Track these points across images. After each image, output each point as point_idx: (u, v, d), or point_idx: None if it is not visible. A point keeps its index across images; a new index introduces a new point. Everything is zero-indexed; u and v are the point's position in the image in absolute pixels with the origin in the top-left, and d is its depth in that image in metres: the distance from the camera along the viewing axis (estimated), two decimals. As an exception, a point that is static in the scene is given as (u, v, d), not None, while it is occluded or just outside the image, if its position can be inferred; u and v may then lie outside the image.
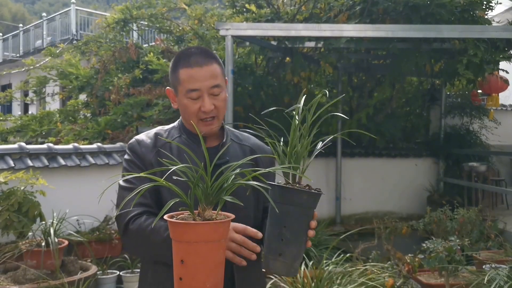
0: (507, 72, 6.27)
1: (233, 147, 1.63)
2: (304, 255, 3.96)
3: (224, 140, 1.63)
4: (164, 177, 1.20)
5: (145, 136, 1.65)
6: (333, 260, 3.66)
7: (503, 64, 6.11)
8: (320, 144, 1.39)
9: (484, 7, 5.50)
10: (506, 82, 6.27)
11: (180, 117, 1.69)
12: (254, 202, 1.59)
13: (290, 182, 1.30)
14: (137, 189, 1.20)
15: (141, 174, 1.27)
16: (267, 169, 1.24)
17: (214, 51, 6.15)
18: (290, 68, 6.40)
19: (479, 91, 7.20)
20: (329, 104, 1.42)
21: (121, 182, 1.57)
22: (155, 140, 1.61)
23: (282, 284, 3.39)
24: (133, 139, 1.66)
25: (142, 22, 7.30)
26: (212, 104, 1.54)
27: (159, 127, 1.70)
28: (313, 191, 1.30)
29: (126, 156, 1.64)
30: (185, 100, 1.56)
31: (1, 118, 7.39)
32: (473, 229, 4.61)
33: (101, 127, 6.01)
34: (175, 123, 1.70)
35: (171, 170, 1.19)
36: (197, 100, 1.55)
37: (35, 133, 6.63)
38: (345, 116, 1.64)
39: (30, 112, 10.42)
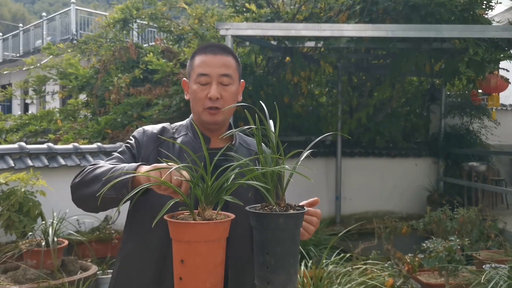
0: (507, 70, 6.28)
1: (241, 151, 1.60)
2: (305, 254, 3.94)
3: (233, 142, 1.62)
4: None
5: (152, 127, 1.64)
6: (332, 259, 3.66)
7: (503, 63, 6.11)
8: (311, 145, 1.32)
9: (484, 6, 5.50)
10: (506, 81, 6.28)
11: (191, 113, 1.67)
12: (254, 201, 1.57)
13: (272, 203, 1.23)
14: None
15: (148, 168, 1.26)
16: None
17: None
18: (290, 67, 6.40)
19: (479, 90, 7.21)
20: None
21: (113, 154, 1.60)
22: (160, 133, 1.60)
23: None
24: (141, 128, 1.66)
25: (142, 22, 7.31)
26: (218, 93, 1.54)
27: (168, 123, 1.69)
28: (291, 212, 1.21)
29: (127, 139, 1.64)
30: (194, 85, 1.57)
31: (2, 118, 7.40)
32: (473, 229, 4.61)
33: (101, 126, 6.01)
34: (185, 121, 1.69)
35: (170, 171, 1.19)
36: (206, 87, 1.55)
37: (34, 129, 6.65)
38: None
39: (30, 112, 10.42)
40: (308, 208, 1.29)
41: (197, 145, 1.56)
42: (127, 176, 1.29)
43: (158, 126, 1.64)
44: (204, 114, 1.57)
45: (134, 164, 1.36)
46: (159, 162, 1.35)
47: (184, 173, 1.22)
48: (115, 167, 1.39)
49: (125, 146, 1.61)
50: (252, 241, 1.52)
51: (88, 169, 1.46)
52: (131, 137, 1.63)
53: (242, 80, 1.67)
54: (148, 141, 1.58)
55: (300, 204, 1.44)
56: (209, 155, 1.25)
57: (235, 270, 1.52)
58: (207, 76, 1.55)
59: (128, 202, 1.41)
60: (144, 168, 1.32)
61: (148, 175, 1.25)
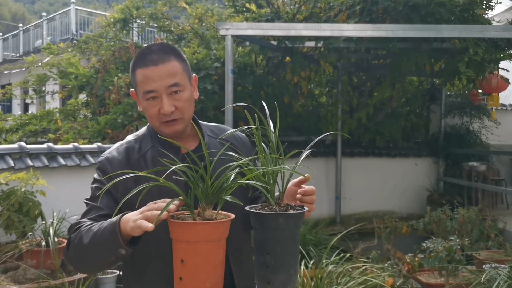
0: (507, 70, 6.28)
1: (213, 144, 1.56)
2: (305, 254, 3.93)
3: (205, 141, 1.54)
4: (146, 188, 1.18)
5: (115, 152, 1.54)
6: (332, 259, 3.66)
7: (503, 63, 6.11)
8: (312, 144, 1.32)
9: (484, 6, 5.50)
10: (506, 81, 6.28)
11: (148, 124, 1.59)
12: (243, 196, 1.49)
13: (271, 203, 1.23)
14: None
15: (140, 188, 1.26)
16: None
17: (214, 50, 6.20)
18: (290, 67, 6.40)
19: (479, 90, 7.21)
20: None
21: (85, 200, 1.50)
22: (126, 156, 1.52)
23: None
24: (102, 157, 1.54)
25: (142, 21, 7.31)
26: (172, 106, 1.44)
27: (129, 138, 1.59)
28: (290, 211, 1.21)
29: (95, 176, 1.52)
30: (144, 102, 1.47)
31: (2, 118, 7.41)
32: (473, 229, 4.61)
33: (101, 126, 6.01)
34: (144, 130, 1.60)
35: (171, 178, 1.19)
36: (156, 101, 1.45)
37: (34, 129, 6.65)
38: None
39: (30, 112, 10.43)
40: (307, 209, 1.29)
41: (169, 154, 1.46)
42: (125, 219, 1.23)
43: (121, 149, 1.54)
44: (162, 127, 1.48)
45: (115, 220, 1.26)
46: (138, 182, 1.28)
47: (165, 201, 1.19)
48: (96, 231, 1.30)
49: (96, 187, 1.49)
50: (244, 234, 1.52)
51: (74, 239, 1.37)
52: (98, 173, 1.52)
53: (193, 75, 1.56)
54: (119, 168, 1.46)
55: (290, 183, 1.41)
56: (188, 158, 1.25)
57: (237, 263, 1.52)
58: (154, 92, 1.44)
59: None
60: (125, 218, 1.23)
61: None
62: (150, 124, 1.55)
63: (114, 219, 1.26)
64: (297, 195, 1.37)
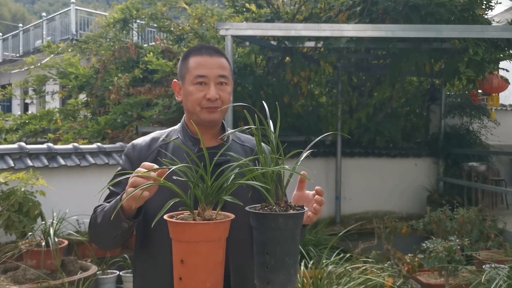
0: (507, 71, 6.28)
1: (234, 147, 1.62)
2: (305, 254, 3.93)
3: (225, 140, 1.62)
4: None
5: (142, 139, 1.66)
6: (332, 259, 3.66)
7: (503, 63, 6.11)
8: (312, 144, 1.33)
9: (484, 6, 5.50)
10: (506, 81, 6.28)
11: (183, 118, 1.68)
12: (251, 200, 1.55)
13: (271, 203, 1.23)
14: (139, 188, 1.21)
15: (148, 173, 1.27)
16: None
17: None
18: (290, 68, 6.40)
19: (479, 90, 7.21)
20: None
21: (107, 185, 1.59)
22: (150, 143, 1.63)
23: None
24: (130, 143, 1.68)
25: (142, 22, 7.31)
26: (217, 93, 1.55)
27: (159, 131, 1.71)
28: (290, 212, 1.22)
29: (120, 161, 1.67)
30: (191, 87, 1.57)
31: (1, 118, 7.41)
32: (473, 229, 4.61)
33: (101, 126, 6.01)
34: (177, 126, 1.70)
35: (169, 171, 1.20)
36: (203, 87, 1.56)
37: (34, 129, 6.65)
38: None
39: (30, 112, 10.42)
40: (307, 209, 1.29)
41: (189, 147, 1.57)
42: (127, 199, 1.33)
43: (148, 138, 1.66)
44: (202, 112, 1.57)
45: (118, 198, 1.41)
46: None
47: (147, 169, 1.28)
48: (106, 210, 1.46)
49: (119, 170, 1.61)
50: (252, 241, 1.52)
51: (91, 220, 1.54)
52: (123, 157, 1.65)
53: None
54: (140, 155, 1.60)
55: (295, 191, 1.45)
56: (203, 155, 1.26)
57: (237, 270, 1.52)
58: (205, 77, 1.56)
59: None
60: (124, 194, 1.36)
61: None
62: (188, 111, 1.62)
63: (119, 197, 1.41)
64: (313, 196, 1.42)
